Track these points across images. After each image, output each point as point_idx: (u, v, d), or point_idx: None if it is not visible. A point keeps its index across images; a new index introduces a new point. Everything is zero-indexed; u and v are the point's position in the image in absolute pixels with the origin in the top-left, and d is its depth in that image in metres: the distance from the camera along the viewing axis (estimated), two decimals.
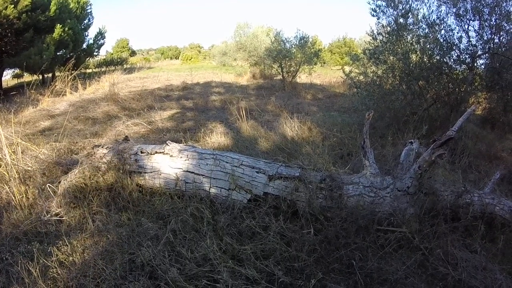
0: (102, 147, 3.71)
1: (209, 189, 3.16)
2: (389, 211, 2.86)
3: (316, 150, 4.39)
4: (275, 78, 14.29)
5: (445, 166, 4.38)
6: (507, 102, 6.43)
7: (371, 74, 6.19)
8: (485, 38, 5.70)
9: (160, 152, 3.42)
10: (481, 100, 6.94)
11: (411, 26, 5.90)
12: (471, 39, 5.79)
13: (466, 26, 5.76)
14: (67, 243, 2.59)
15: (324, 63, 26.04)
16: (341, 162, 4.29)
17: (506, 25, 5.53)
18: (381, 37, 5.96)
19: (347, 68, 7.07)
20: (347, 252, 2.60)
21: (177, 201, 3.16)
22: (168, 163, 3.33)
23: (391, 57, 5.81)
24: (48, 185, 3.34)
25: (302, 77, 14.15)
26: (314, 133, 5.56)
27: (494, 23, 5.53)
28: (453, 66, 5.87)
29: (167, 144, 3.49)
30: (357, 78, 6.60)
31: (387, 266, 2.60)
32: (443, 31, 5.79)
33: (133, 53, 39.66)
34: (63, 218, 2.99)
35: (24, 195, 3.25)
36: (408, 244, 2.82)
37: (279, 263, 2.44)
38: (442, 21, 5.73)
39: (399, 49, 5.69)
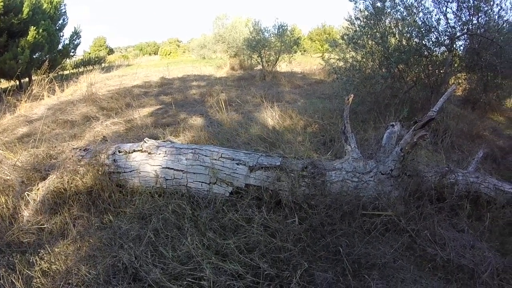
0: (80, 149, 3.59)
1: (190, 184, 3.07)
2: (373, 195, 2.82)
3: (297, 138, 4.35)
4: (255, 68, 14.19)
5: (428, 147, 4.39)
6: (487, 82, 6.51)
7: (351, 60, 6.15)
8: (463, 20, 5.70)
9: (138, 150, 3.32)
10: (461, 81, 7.01)
11: (388, 10, 5.85)
12: (449, 21, 5.79)
13: (444, 8, 5.73)
14: (49, 251, 2.50)
15: (305, 51, 26.07)
16: (323, 148, 4.25)
17: (484, 6, 5.52)
18: (359, 22, 5.91)
19: (326, 55, 7.03)
20: (333, 239, 2.56)
21: (158, 199, 3.07)
22: (147, 161, 3.23)
23: (370, 41, 5.78)
24: (27, 193, 3.21)
25: (282, 66, 14.07)
26: (296, 121, 5.50)
27: (472, 4, 5.51)
28: (432, 48, 5.87)
29: (145, 142, 3.38)
30: (336, 64, 6.55)
31: (374, 250, 2.57)
32: (421, 14, 5.77)
33: (111, 51, 38.74)
34: (44, 226, 2.88)
35: (4, 206, 3.12)
36: (395, 227, 2.80)
37: (264, 256, 2.38)
38: (420, 4, 5.71)
39: (377, 33, 5.65)
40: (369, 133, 4.61)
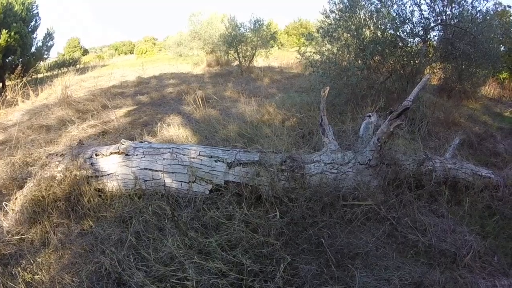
0: (56, 155, 3.48)
1: (169, 184, 3.02)
2: (353, 186, 2.84)
3: (276, 132, 4.34)
4: (232, 64, 14.09)
5: (405, 136, 4.45)
6: (461, 71, 6.68)
7: (327, 52, 6.19)
8: (437, 11, 5.83)
9: (115, 152, 3.23)
10: (436, 71, 7.17)
11: (363, 2, 5.92)
12: (423, 12, 5.91)
13: (418, 0, 5.85)
14: (32, 262, 2.43)
15: (282, 45, 26.10)
16: (302, 141, 4.27)
17: None
18: (334, 15, 5.95)
19: (303, 49, 7.04)
20: (315, 231, 2.57)
21: (138, 201, 3.01)
22: (125, 163, 3.16)
23: (345, 34, 5.82)
24: (5, 204, 3.10)
25: (259, 61, 14.06)
26: (274, 115, 5.50)
27: None
28: (407, 39, 5.98)
29: (122, 143, 3.30)
30: (312, 57, 6.58)
31: (356, 240, 2.59)
32: (395, 6, 5.86)
33: (85, 52, 37.67)
34: (25, 236, 2.78)
35: None
36: (376, 216, 2.83)
37: (247, 252, 2.37)
38: None
39: (352, 26, 5.70)
40: (347, 124, 4.65)
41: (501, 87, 11.20)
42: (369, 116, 3.43)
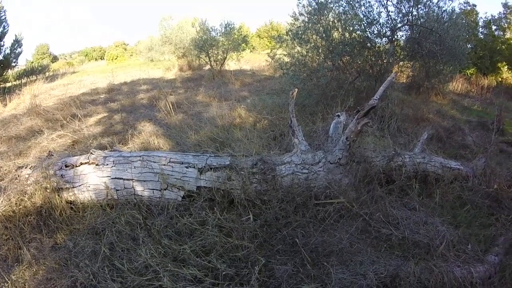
0: (26, 167, 3.36)
1: (141, 192, 2.97)
2: (324, 185, 2.89)
3: (248, 135, 4.34)
4: (203, 68, 14.03)
5: (375, 133, 4.57)
6: (428, 69, 6.92)
7: (296, 55, 6.26)
8: (403, 11, 6.02)
9: (85, 163, 3.16)
10: (404, 69, 7.39)
11: (331, 5, 6.03)
12: (390, 13, 6.09)
13: (385, 1, 6.03)
14: (6, 280, 2.36)
15: (254, 48, 26.21)
16: (274, 143, 4.30)
17: None
18: (303, 17, 6.04)
19: (274, 51, 7.09)
20: (289, 231, 2.59)
21: (110, 212, 2.96)
22: (95, 173, 3.09)
23: (314, 36, 5.90)
24: None
25: (231, 65, 14.03)
26: (245, 118, 5.52)
27: None
28: (374, 39, 6.13)
29: (92, 153, 3.23)
30: (282, 59, 6.64)
31: (330, 238, 2.63)
32: (363, 7, 6.00)
33: (54, 58, 36.49)
34: None
35: None
36: (348, 212, 2.88)
37: (222, 256, 2.37)
38: None
39: (321, 28, 5.79)
40: (317, 124, 4.70)
41: (468, 83, 11.68)
42: (338, 115, 3.49)
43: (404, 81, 8.46)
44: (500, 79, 12.91)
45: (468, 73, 12.35)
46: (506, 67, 13.04)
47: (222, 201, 2.82)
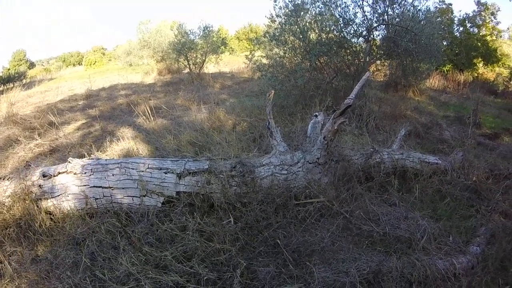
0: (3, 179, 3.26)
1: (121, 200, 2.93)
2: (304, 184, 2.91)
3: (227, 138, 4.34)
4: (183, 72, 13.96)
5: (354, 131, 4.62)
6: (405, 67, 7.07)
7: (274, 56, 6.30)
8: (379, 11, 6.14)
9: (63, 172, 3.09)
10: (380, 68, 7.53)
11: (308, 6, 6.08)
12: (366, 13, 6.20)
13: (361, 2, 6.13)
14: None
15: (233, 50, 26.21)
16: (253, 145, 4.31)
17: None
18: (280, 19, 6.07)
19: (253, 53, 7.12)
20: (270, 233, 2.60)
21: (89, 221, 2.90)
22: (74, 182, 3.02)
23: (291, 37, 5.95)
24: None
25: (210, 67, 14.00)
26: (224, 121, 5.51)
27: None
28: (351, 39, 6.22)
29: (69, 162, 3.16)
30: (260, 61, 6.67)
31: (312, 237, 2.65)
32: (339, 8, 6.08)
33: (31, 65, 35.57)
34: None
35: None
36: (329, 211, 2.90)
37: (203, 261, 2.36)
38: None
39: (297, 29, 5.84)
40: (296, 125, 4.74)
41: (445, 79, 11.98)
42: (316, 115, 3.53)
43: (382, 79, 8.63)
44: (476, 75, 13.29)
45: (445, 70, 12.67)
46: (481, 63, 13.44)
47: (202, 206, 2.80)
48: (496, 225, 2.89)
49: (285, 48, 6.03)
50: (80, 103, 9.48)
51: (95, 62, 32.60)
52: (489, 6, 13.72)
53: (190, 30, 12.66)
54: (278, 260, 2.41)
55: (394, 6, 6.07)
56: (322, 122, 3.35)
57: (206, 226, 2.60)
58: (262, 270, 2.33)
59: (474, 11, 13.80)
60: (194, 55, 12.54)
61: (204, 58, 12.65)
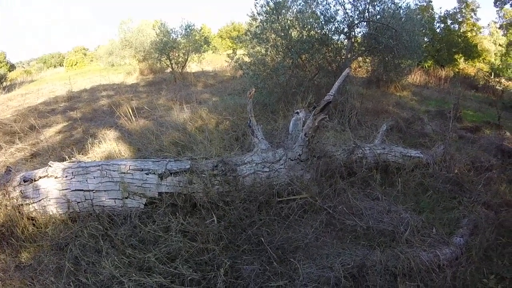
0: None
1: (103, 203, 2.89)
2: (286, 181, 2.93)
3: (210, 137, 4.32)
4: (165, 71, 13.85)
5: (336, 127, 4.66)
6: (386, 63, 7.15)
7: (256, 54, 6.31)
8: (360, 9, 6.20)
9: (44, 176, 3.03)
10: (362, 64, 7.62)
11: (289, 3, 6.10)
12: (347, 10, 6.26)
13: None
14: None
15: (216, 49, 26.09)
16: (236, 144, 4.31)
17: None
18: (261, 17, 6.07)
19: (235, 51, 7.10)
20: (254, 231, 2.60)
21: (72, 225, 2.86)
22: (55, 186, 2.97)
23: (273, 35, 5.96)
24: None
25: (193, 66, 13.91)
26: (207, 120, 5.49)
27: None
28: (332, 36, 6.27)
29: (50, 166, 3.10)
30: (242, 59, 6.67)
31: (296, 233, 2.67)
32: (320, 6, 6.12)
33: (12, 67, 34.55)
34: None
35: None
36: (312, 207, 2.93)
37: (187, 261, 2.35)
38: None
39: (279, 27, 5.85)
40: (279, 122, 4.76)
41: (427, 74, 12.22)
42: (297, 112, 3.55)
43: (364, 76, 8.73)
44: (457, 70, 13.63)
45: (426, 66, 12.91)
46: (462, 58, 13.77)
47: (185, 206, 2.79)
48: (478, 216, 2.97)
49: (267, 46, 6.04)
50: (61, 105, 9.31)
51: (77, 63, 31.97)
52: (470, 3, 14.07)
53: (172, 29, 12.55)
54: (262, 258, 2.42)
55: (375, 3, 6.14)
56: (303, 119, 3.37)
57: (189, 226, 2.59)
58: (246, 268, 2.33)
59: (454, 8, 14.13)
60: (177, 54, 12.45)
61: (186, 57, 12.58)
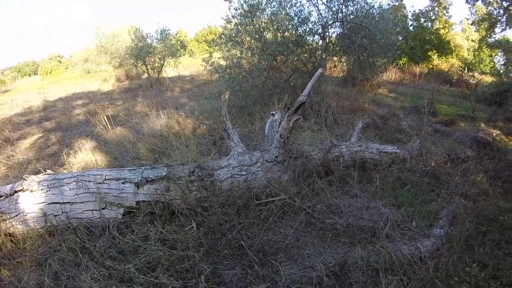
0: None
1: (80, 215, 2.83)
2: (264, 184, 2.94)
3: (187, 142, 4.29)
4: (141, 77, 13.75)
5: (312, 128, 4.71)
6: (361, 62, 7.29)
7: (232, 57, 6.31)
8: (334, 9, 6.32)
9: (19, 190, 2.95)
10: (337, 64, 7.76)
11: (263, 6, 6.13)
12: (321, 11, 6.39)
13: (316, 1, 6.33)
14: None
15: (193, 53, 25.91)
16: (214, 148, 4.30)
17: None
18: (236, 20, 6.07)
19: (212, 54, 7.09)
20: (234, 235, 2.60)
21: (50, 240, 2.79)
22: (31, 200, 2.89)
23: (248, 38, 5.98)
24: None
25: (169, 71, 13.85)
26: (184, 125, 5.46)
27: None
28: (307, 37, 6.35)
29: (25, 179, 3.02)
30: (217, 63, 6.68)
31: (276, 235, 2.67)
32: (294, 8, 6.19)
33: None
34: None
35: None
36: (291, 208, 2.95)
37: (168, 270, 2.33)
38: None
39: (253, 29, 5.89)
40: (255, 124, 4.79)
41: (402, 71, 12.52)
42: (273, 114, 3.57)
43: (340, 75, 8.88)
44: (431, 66, 14.02)
45: (401, 63, 13.22)
46: (436, 55, 14.17)
47: (163, 214, 2.76)
48: (457, 206, 3.06)
49: (242, 49, 6.05)
50: (36, 115, 9.07)
51: (51, 71, 31.15)
52: (442, 1, 14.51)
53: (147, 34, 12.43)
54: (243, 262, 2.42)
55: (348, 3, 6.28)
56: (279, 121, 3.40)
57: (168, 234, 2.57)
58: (228, 273, 2.33)
59: (427, 6, 14.55)
60: (152, 59, 12.33)
61: (162, 62, 12.48)
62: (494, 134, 5.65)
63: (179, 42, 12.73)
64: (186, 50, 14.06)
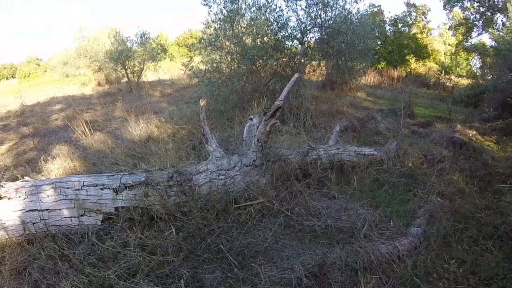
0: None
1: (58, 222, 2.81)
2: (243, 188, 2.99)
3: (166, 147, 4.30)
4: (121, 81, 13.56)
5: (291, 131, 4.78)
6: (339, 66, 7.44)
7: (211, 61, 6.34)
8: (312, 15, 6.45)
9: None
10: (316, 68, 7.87)
11: (243, 11, 6.20)
12: (300, 17, 6.50)
13: (295, 6, 6.44)
14: None
15: (173, 57, 25.75)
16: (193, 153, 4.32)
17: (331, 1, 6.40)
18: (215, 25, 6.11)
19: (193, 58, 7.09)
20: (213, 239, 2.64)
21: (29, 248, 2.76)
22: (9, 207, 2.84)
23: (227, 42, 6.03)
24: None
25: (149, 75, 13.78)
26: (163, 130, 5.46)
27: (320, 1, 6.30)
28: (285, 42, 6.45)
29: (2, 186, 2.97)
30: (197, 67, 6.72)
31: (255, 238, 2.71)
32: (273, 13, 6.25)
33: None
34: None
35: None
36: (270, 211, 3.00)
37: (148, 275, 2.33)
38: (272, 3, 6.18)
39: (232, 34, 5.93)
40: (234, 129, 4.83)
41: (380, 75, 12.79)
42: (251, 118, 3.62)
43: (319, 79, 9.02)
44: (409, 70, 14.38)
45: (380, 67, 13.52)
46: (413, 59, 14.56)
47: (142, 219, 2.77)
48: (434, 205, 3.14)
49: (222, 53, 6.09)
50: (13, 120, 8.87)
51: (30, 74, 30.44)
52: (420, 7, 14.96)
53: (127, 38, 12.32)
54: (223, 265, 2.45)
55: (327, 9, 6.40)
56: (257, 125, 3.45)
57: (148, 239, 2.58)
58: (208, 277, 2.35)
59: (404, 11, 14.95)
60: (132, 63, 12.22)
61: (142, 66, 12.38)
62: (470, 135, 5.80)
63: (159, 46, 12.62)
64: (167, 54, 13.94)
